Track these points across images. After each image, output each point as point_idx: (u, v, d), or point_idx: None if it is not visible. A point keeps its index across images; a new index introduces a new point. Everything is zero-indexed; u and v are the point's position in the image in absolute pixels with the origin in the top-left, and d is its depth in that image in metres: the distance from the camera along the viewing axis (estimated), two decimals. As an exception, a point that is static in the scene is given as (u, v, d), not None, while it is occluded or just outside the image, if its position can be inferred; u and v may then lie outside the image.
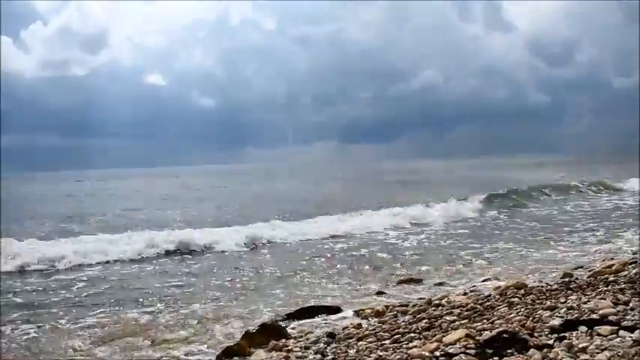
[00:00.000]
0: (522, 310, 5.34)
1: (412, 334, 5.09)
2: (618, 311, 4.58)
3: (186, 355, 5.71)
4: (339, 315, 6.76)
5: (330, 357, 4.75)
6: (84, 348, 6.04)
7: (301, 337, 5.78)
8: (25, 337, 6.40)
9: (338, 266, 10.16)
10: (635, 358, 3.56)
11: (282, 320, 6.63)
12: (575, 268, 8.29)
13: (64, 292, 8.72)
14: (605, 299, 5.07)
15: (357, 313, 6.68)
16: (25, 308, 7.69)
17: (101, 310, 7.56)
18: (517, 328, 4.50)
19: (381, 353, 4.54)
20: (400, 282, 8.53)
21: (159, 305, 7.76)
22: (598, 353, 3.70)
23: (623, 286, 5.83)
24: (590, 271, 7.70)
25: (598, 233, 12.78)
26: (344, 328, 5.91)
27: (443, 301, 6.54)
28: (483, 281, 8.07)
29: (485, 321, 5.13)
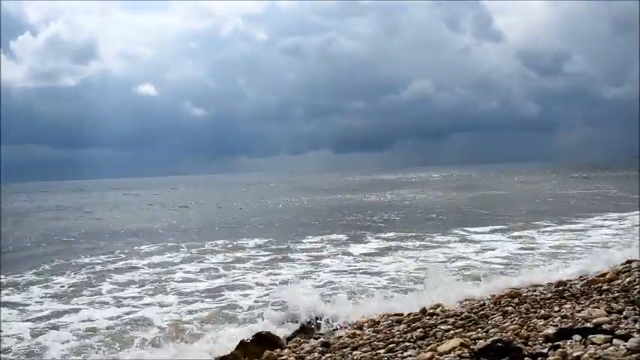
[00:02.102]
0: (517, 318, 5.35)
1: (407, 344, 5.07)
2: (612, 320, 4.59)
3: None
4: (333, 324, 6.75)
5: (324, 367, 4.73)
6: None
7: (296, 346, 5.76)
8: None
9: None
10: (629, 366, 3.57)
11: (276, 329, 6.60)
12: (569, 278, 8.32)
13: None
14: (598, 308, 5.08)
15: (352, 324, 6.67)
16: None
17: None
18: (511, 337, 4.50)
19: (375, 363, 4.53)
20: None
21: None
22: (592, 362, 3.71)
23: (616, 294, 5.85)
24: (583, 279, 7.73)
25: None
26: (338, 338, 5.90)
27: (437, 310, 6.54)
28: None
29: (479, 330, 5.13)
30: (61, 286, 9.78)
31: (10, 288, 9.67)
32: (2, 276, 10.63)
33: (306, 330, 6.66)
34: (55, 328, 7.17)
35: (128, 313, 7.65)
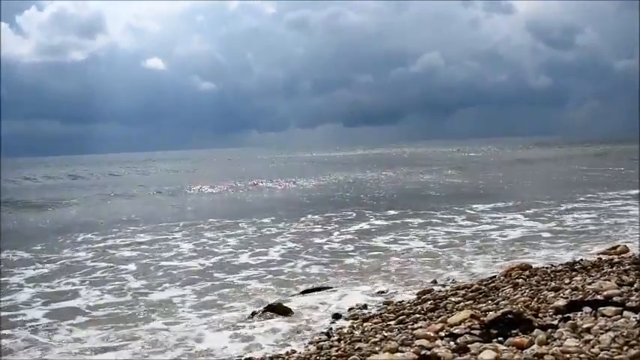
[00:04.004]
0: (527, 291, 5.37)
1: (417, 315, 5.13)
2: (623, 292, 4.60)
3: (192, 336, 5.76)
4: (345, 296, 6.81)
5: (335, 337, 4.80)
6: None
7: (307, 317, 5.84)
8: None
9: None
10: (640, 338, 3.58)
11: (287, 301, 6.68)
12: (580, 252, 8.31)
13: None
14: (609, 280, 5.09)
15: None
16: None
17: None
18: (522, 309, 4.52)
19: (386, 334, 4.59)
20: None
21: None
22: (602, 334, 3.73)
23: (627, 267, 5.84)
24: (594, 252, 7.73)
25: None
26: (349, 309, 5.96)
27: (448, 282, 6.58)
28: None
29: (489, 302, 5.16)
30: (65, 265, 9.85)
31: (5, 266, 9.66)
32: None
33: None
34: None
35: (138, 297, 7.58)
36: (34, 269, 9.36)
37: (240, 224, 13.71)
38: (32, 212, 18.60)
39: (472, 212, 14.25)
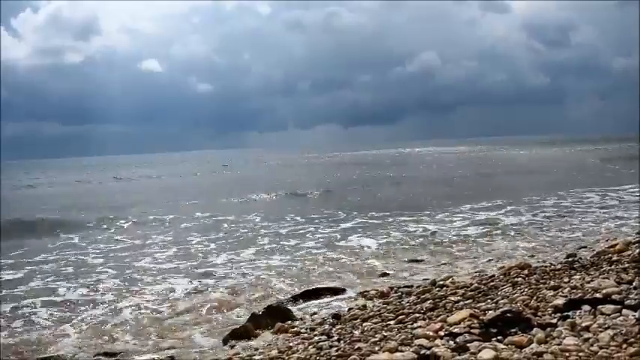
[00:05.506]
0: (526, 289, 5.37)
1: (417, 315, 5.12)
2: (622, 290, 4.60)
3: (192, 338, 5.77)
4: (344, 296, 6.82)
5: (335, 338, 4.80)
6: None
7: (307, 318, 5.84)
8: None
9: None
10: (638, 336, 3.59)
11: (287, 302, 6.69)
12: (579, 248, 8.32)
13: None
14: (608, 278, 5.09)
15: (361, 295, 6.74)
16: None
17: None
18: (521, 308, 4.53)
19: (385, 334, 4.59)
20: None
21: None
22: (601, 332, 3.73)
23: (626, 265, 5.84)
24: (593, 250, 7.73)
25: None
26: (349, 310, 5.97)
27: (447, 282, 6.58)
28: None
29: (489, 301, 5.15)
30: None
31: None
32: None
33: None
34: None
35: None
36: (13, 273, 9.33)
37: (241, 226, 13.79)
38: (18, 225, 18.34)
39: (458, 210, 14.35)
